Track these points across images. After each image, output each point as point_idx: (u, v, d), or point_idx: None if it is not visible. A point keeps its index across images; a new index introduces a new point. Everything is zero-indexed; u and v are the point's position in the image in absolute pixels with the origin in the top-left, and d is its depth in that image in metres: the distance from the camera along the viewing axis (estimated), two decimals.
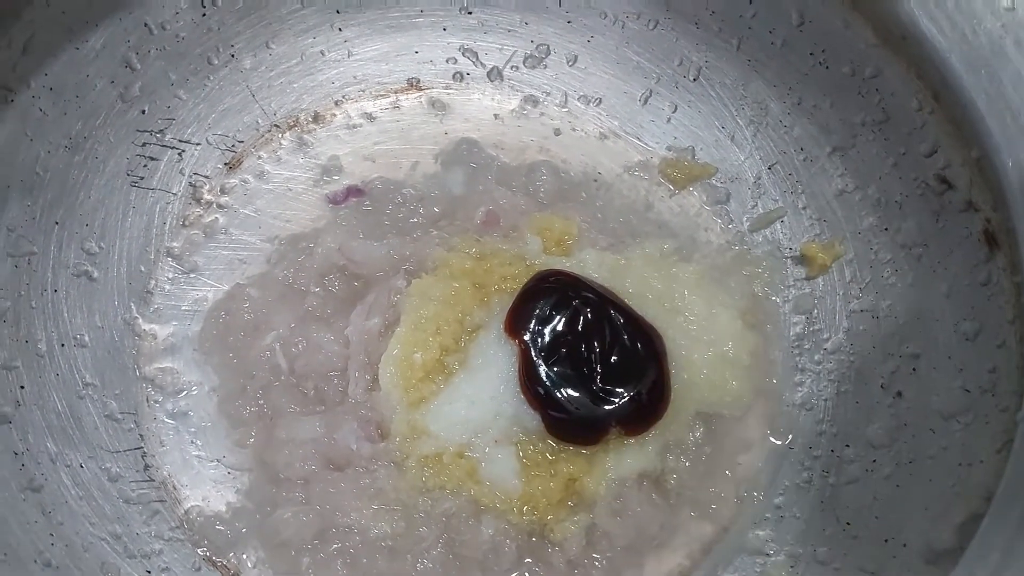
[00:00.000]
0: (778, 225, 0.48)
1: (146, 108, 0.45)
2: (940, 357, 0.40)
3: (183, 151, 0.47)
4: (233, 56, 0.47)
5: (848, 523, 0.40)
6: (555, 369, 0.39)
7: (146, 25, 0.44)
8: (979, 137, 0.37)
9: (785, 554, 0.41)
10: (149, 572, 0.39)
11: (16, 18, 0.38)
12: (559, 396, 0.39)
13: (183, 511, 0.41)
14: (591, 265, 0.44)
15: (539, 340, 0.40)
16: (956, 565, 0.31)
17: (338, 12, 0.49)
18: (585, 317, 0.41)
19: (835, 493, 0.41)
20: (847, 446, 0.42)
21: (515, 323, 0.40)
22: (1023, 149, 0.36)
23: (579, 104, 0.50)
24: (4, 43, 0.38)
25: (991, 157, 0.37)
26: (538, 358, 0.40)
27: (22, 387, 0.39)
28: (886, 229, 0.44)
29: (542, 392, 0.39)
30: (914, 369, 0.41)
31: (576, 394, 0.39)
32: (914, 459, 0.39)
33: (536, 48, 0.50)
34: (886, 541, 0.38)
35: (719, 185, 0.49)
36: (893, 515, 0.39)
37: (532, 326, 0.40)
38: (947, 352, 0.40)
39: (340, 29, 0.49)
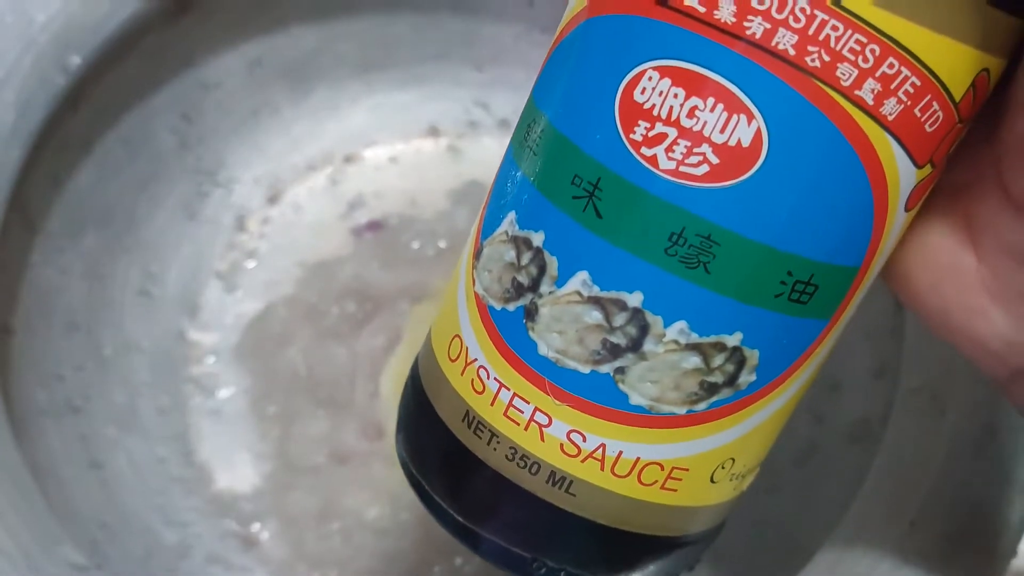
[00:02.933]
0: None
1: (201, 154, 0.52)
2: (852, 390, 0.46)
3: (232, 189, 0.54)
4: (277, 108, 0.54)
5: (762, 528, 0.45)
6: None
7: (202, 85, 0.51)
8: None
9: (709, 551, 0.47)
10: (184, 537, 0.45)
11: (95, 86, 0.45)
12: None
13: (215, 489, 0.47)
14: None
15: None
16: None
17: (367, 69, 0.55)
18: None
19: (756, 500, 0.47)
20: (771, 460, 0.48)
21: None
22: None
23: None
24: (85, 107, 0.45)
25: None
26: None
27: (91, 384, 0.46)
28: None
29: None
30: (832, 398, 0.47)
31: None
32: (820, 476, 0.46)
33: None
34: (786, 545, 0.44)
35: None
36: (796, 523, 0.45)
37: None
38: (857, 386, 0.46)
39: (370, 84, 0.56)
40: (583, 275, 0.22)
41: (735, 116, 0.20)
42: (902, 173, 0.21)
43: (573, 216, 0.22)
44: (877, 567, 0.35)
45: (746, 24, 0.19)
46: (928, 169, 0.21)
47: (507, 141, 0.56)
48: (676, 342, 0.22)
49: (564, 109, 0.22)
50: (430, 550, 0.45)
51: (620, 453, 0.23)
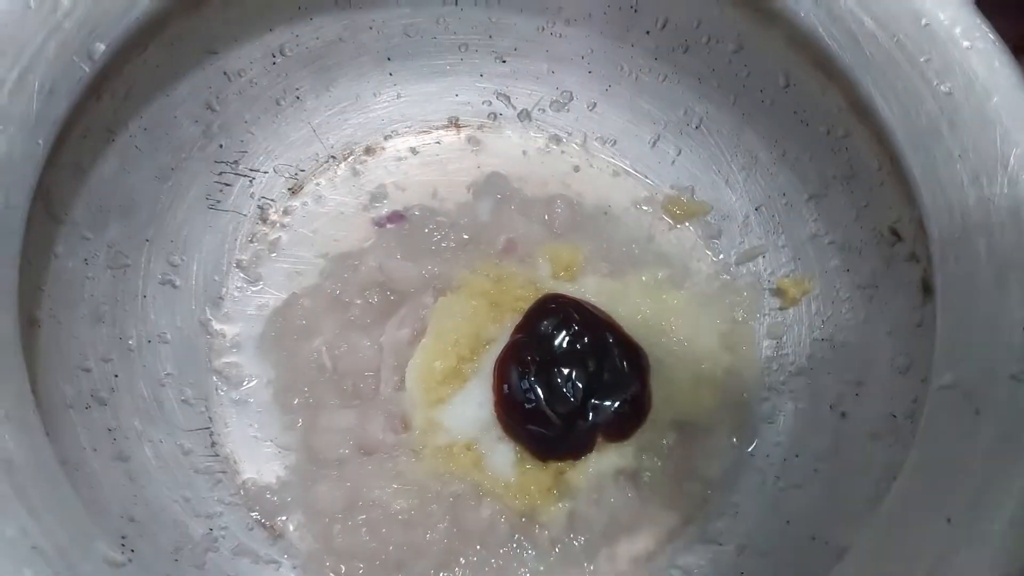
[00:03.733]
0: (760, 260, 0.53)
1: (223, 143, 0.52)
2: (877, 386, 0.46)
3: (253, 178, 0.53)
4: (298, 98, 0.54)
5: (788, 521, 0.46)
6: (545, 386, 0.45)
7: (225, 73, 0.50)
8: (916, 203, 0.42)
9: (735, 544, 0.47)
10: (211, 529, 0.45)
11: (119, 73, 0.44)
12: (546, 412, 0.45)
13: (240, 481, 0.47)
14: (592, 290, 0.50)
15: (529, 368, 0.46)
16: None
17: (389, 59, 0.55)
18: (580, 337, 0.46)
19: (781, 495, 0.48)
20: (796, 456, 0.48)
21: (510, 356, 0.46)
22: (944, 222, 0.40)
23: (596, 144, 0.56)
24: (108, 95, 0.44)
25: (923, 222, 0.41)
26: (526, 381, 0.45)
27: (116, 376, 0.45)
28: (847, 271, 0.49)
29: (529, 408, 0.45)
30: (857, 394, 0.47)
31: (562, 410, 0.45)
32: (846, 471, 0.46)
33: (561, 94, 0.57)
34: (813, 538, 0.44)
35: (712, 222, 0.54)
36: (822, 517, 0.45)
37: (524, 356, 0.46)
38: (882, 382, 0.45)
39: (390, 74, 0.56)
40: None
41: None
42: None
43: None
44: (915, 563, 0.35)
45: None
46: None
47: (529, 133, 0.56)
48: None
49: None
50: (456, 541, 0.45)
51: None
